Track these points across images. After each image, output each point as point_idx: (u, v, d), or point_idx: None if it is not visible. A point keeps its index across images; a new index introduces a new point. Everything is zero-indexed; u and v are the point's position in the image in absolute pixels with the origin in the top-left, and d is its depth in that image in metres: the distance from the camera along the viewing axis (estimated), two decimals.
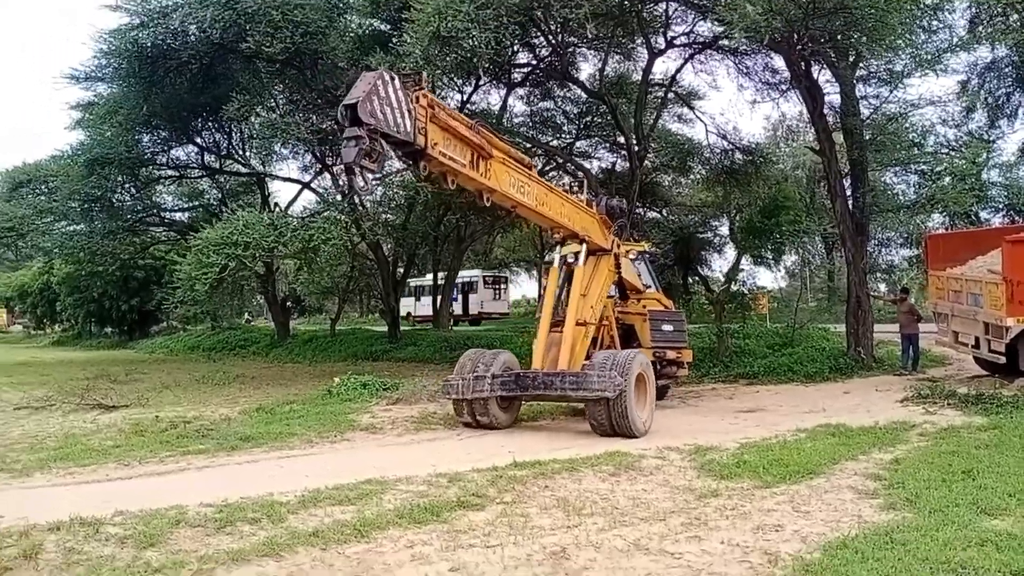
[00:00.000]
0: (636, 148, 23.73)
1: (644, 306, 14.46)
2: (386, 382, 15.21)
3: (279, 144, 23.95)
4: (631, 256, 13.97)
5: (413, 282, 42.81)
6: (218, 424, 12.07)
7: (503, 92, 27.65)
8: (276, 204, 32.46)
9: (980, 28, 20.81)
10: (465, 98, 26.91)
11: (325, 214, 22.75)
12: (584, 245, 11.95)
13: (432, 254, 35.61)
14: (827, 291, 38.40)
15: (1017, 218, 31.64)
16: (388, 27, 23.03)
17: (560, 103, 30.46)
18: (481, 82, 25.89)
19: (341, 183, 27.76)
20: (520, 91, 28.75)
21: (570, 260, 12.52)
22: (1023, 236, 14.01)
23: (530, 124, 29.99)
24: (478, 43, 13.96)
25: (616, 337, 13.36)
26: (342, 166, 7.58)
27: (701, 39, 23.94)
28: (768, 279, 34.07)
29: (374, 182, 8.19)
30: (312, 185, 31.26)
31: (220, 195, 35.36)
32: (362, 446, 10.45)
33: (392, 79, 8.06)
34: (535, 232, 46.11)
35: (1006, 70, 31.46)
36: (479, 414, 11.27)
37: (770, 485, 7.74)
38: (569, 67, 24.83)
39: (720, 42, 23.05)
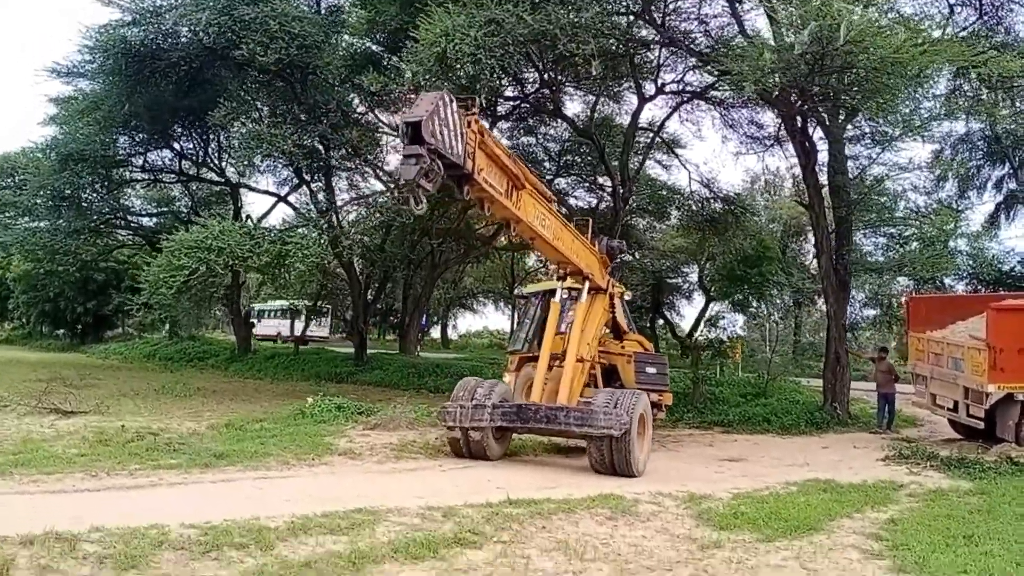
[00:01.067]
0: (621, 190, 23.76)
1: (624, 347, 14.37)
2: (360, 406, 14.71)
3: (261, 156, 23.46)
4: (627, 297, 13.96)
5: (257, 306, 47.84)
6: (187, 438, 11.51)
7: (487, 124, 27.61)
8: (248, 216, 31.89)
9: (960, 100, 21.30)
10: None
11: (301, 230, 22.34)
12: (587, 283, 11.92)
13: (404, 278, 35.18)
14: (793, 344, 38.76)
15: (980, 287, 32.52)
16: (381, 48, 23.03)
17: (541, 140, 30.50)
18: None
19: (320, 199, 27.40)
20: (503, 124, 28.72)
21: (563, 296, 12.54)
22: (1008, 304, 14.21)
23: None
24: (483, 70, 13.82)
25: (599, 376, 13.21)
26: (401, 182, 7.55)
27: (690, 88, 24.20)
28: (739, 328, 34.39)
29: (421, 200, 8.11)
30: (289, 199, 30.74)
31: (191, 203, 34.62)
32: (342, 472, 10.02)
33: (451, 101, 8.04)
34: (506, 265, 46.19)
35: (979, 143, 32.38)
36: (474, 444, 10.98)
37: (771, 539, 7.54)
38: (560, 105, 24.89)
39: (711, 93, 23.36)
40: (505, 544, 6.89)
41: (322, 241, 20.75)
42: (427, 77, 14.40)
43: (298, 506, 7.58)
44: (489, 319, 63.32)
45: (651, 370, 13.91)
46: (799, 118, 16.77)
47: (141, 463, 9.52)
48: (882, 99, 13.08)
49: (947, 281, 32.66)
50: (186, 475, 9.15)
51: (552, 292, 13.74)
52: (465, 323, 65.03)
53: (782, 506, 8.85)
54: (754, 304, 24.77)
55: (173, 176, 31.28)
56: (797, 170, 30.05)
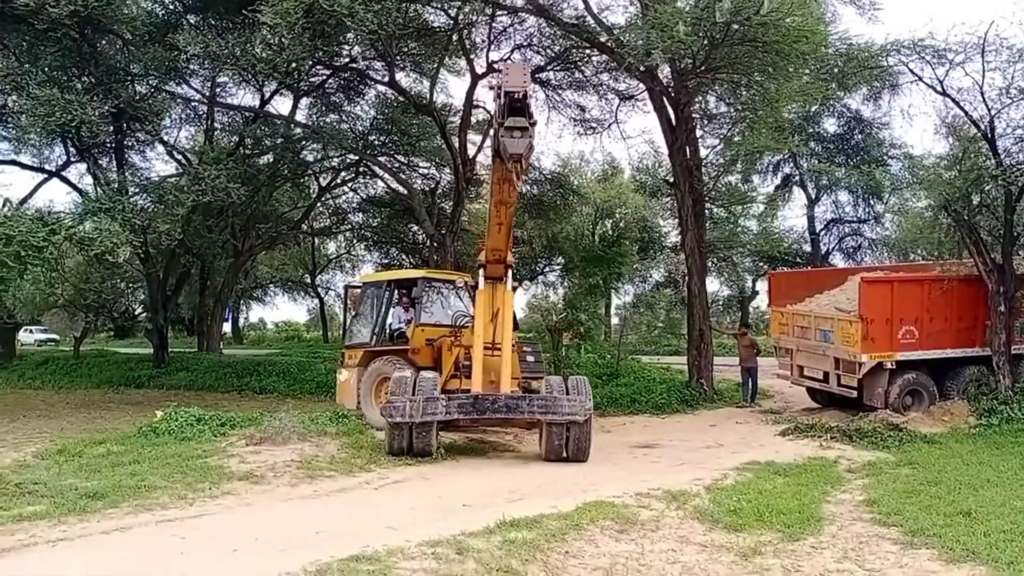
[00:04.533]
0: (463, 170, 22.68)
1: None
2: (222, 416, 12.46)
3: (52, 127, 19.54)
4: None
5: None
6: (24, 474, 9.01)
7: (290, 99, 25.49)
8: (7, 200, 27.01)
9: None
10: (265, 98, 24.53)
11: (100, 215, 19.01)
12: (508, 271, 11.03)
13: (201, 269, 31.69)
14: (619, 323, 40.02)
15: (762, 264, 35.46)
16: (182, 8, 20.33)
17: (346, 118, 28.44)
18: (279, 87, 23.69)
19: (112, 177, 23.63)
20: (305, 100, 26.44)
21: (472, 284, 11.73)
22: (878, 276, 14.90)
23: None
24: (360, 24, 12.16)
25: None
26: (508, 155, 6.60)
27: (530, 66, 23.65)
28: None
29: None
30: (70, 179, 26.32)
31: None
32: (258, 502, 8.21)
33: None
34: (306, 252, 43.32)
35: (762, 130, 34.99)
36: (419, 441, 10.09)
37: (795, 538, 7.02)
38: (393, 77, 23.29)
39: (539, 74, 23.04)
40: None
41: (127, 228, 17.76)
42: (289, 34, 12.50)
43: (259, 557, 5.96)
44: (282, 311, 59.07)
45: (530, 358, 13.76)
46: (665, 97, 16.63)
47: None
48: (772, 71, 13.18)
49: (735, 258, 35.66)
50: (64, 527, 7.02)
51: (410, 282, 13.36)
52: (255, 315, 60.31)
53: (764, 498, 8.36)
54: (617, 284, 24.98)
55: None
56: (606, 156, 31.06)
